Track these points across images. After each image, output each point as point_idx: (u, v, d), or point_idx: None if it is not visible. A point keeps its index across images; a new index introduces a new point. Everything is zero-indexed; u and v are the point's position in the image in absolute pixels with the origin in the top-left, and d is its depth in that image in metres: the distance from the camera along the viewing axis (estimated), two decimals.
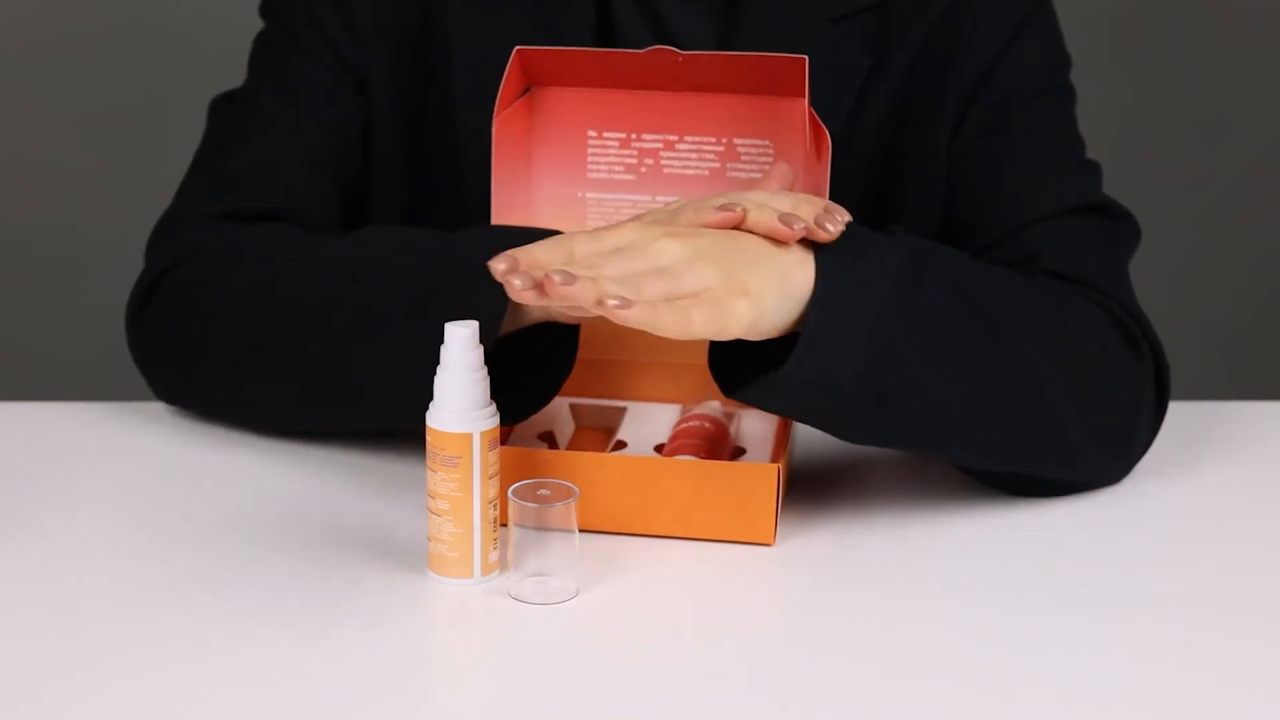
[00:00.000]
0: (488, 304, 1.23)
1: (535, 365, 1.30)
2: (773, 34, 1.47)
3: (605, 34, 1.48)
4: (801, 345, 1.18)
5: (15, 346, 2.77)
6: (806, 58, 1.27)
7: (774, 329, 1.18)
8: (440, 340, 1.19)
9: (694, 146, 1.36)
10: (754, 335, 1.17)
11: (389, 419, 1.32)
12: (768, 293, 1.17)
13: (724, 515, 1.25)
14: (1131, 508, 1.33)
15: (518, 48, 1.30)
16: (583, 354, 1.39)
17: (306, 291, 1.34)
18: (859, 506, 1.31)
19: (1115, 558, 1.26)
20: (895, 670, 1.12)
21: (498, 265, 1.11)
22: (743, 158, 1.35)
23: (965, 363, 1.24)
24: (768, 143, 1.34)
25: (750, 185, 1.35)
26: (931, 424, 1.24)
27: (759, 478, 1.24)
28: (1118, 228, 1.46)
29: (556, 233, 1.24)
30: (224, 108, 1.53)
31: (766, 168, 1.35)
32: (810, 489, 1.34)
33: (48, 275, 2.70)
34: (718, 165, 1.35)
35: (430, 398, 1.20)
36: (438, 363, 1.20)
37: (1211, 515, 1.33)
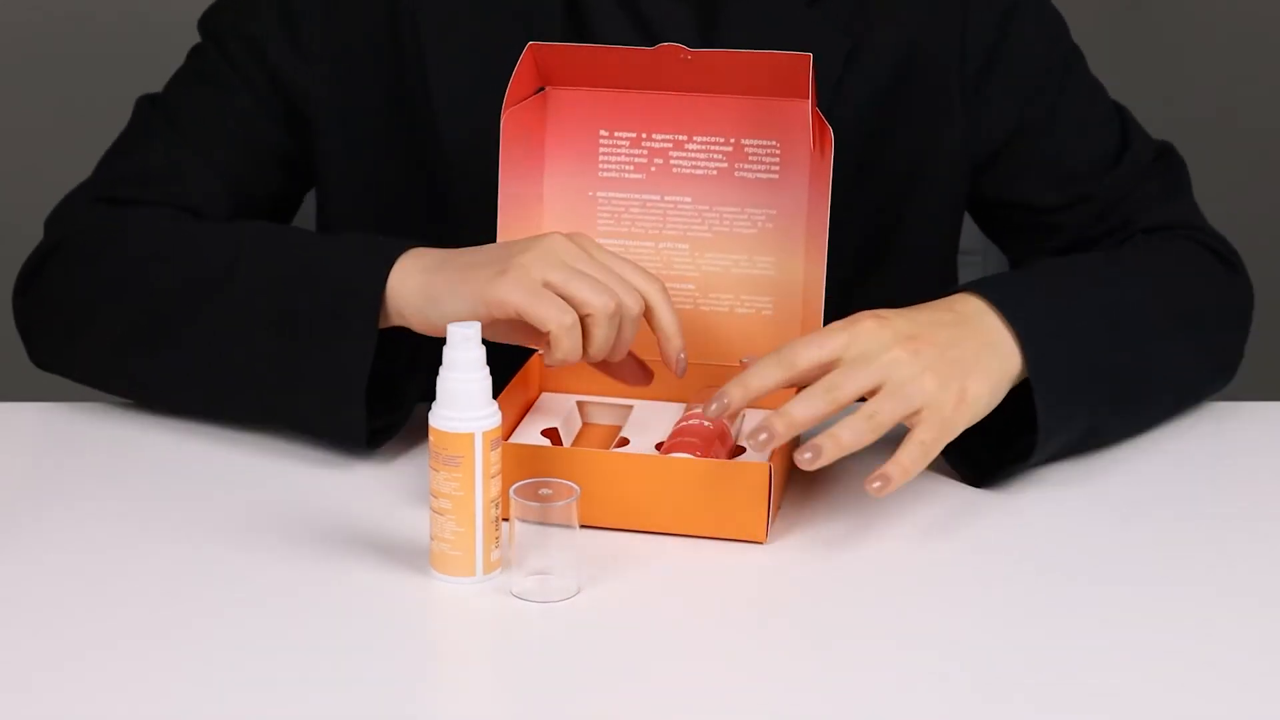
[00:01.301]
0: (360, 320, 1.31)
1: (396, 376, 1.38)
2: (750, 17, 1.48)
3: (575, 23, 1.48)
4: (1041, 439, 1.31)
5: (15, 346, 2.77)
6: (811, 55, 1.30)
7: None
8: (304, 354, 1.30)
9: (703, 146, 1.38)
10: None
11: (254, 417, 1.39)
12: (984, 395, 1.29)
13: (718, 512, 1.25)
14: (1140, 503, 1.34)
15: (531, 43, 1.33)
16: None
17: (183, 277, 1.38)
18: (857, 503, 1.31)
19: (1120, 554, 1.27)
20: (891, 667, 1.12)
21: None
22: (750, 157, 1.37)
23: (1127, 377, 1.37)
24: (774, 142, 1.36)
25: (755, 191, 1.37)
26: (1111, 437, 1.40)
27: (751, 476, 1.24)
28: (1175, 166, 1.57)
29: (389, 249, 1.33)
30: (145, 108, 1.55)
31: (774, 168, 1.37)
32: (812, 487, 1.34)
33: None
34: (725, 165, 1.37)
35: (298, 408, 1.33)
36: (303, 373, 1.32)
37: (1216, 514, 1.34)
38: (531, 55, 1.34)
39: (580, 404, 1.42)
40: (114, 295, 1.41)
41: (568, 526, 1.18)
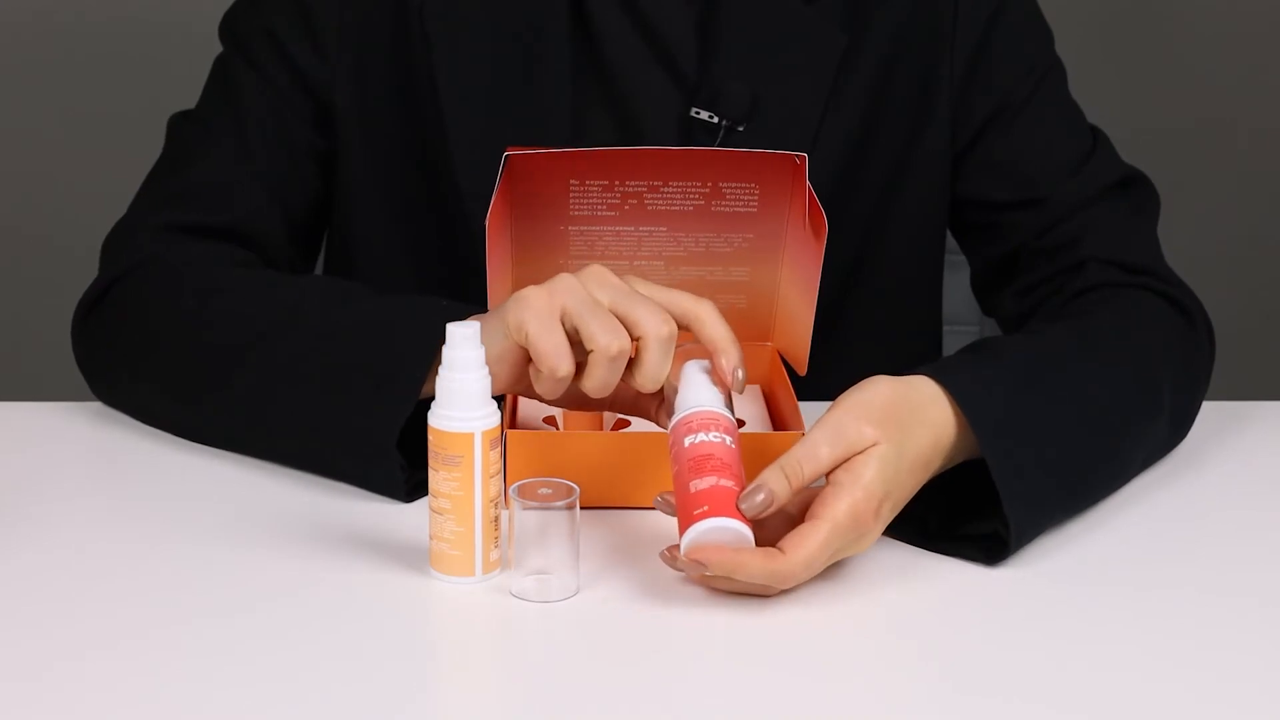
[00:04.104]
0: (405, 382, 1.28)
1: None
2: (748, 16, 1.49)
3: (580, 20, 1.48)
4: (1013, 545, 1.23)
5: (14, 346, 2.77)
6: (807, 155, 1.28)
7: None
8: (348, 409, 1.28)
9: (679, 189, 1.33)
10: None
11: (299, 464, 1.36)
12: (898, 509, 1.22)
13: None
14: (1139, 503, 1.34)
15: (508, 152, 1.27)
16: None
17: (238, 328, 1.37)
18: None
19: (1120, 555, 1.27)
20: (898, 667, 1.12)
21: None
22: (727, 196, 1.33)
23: (1096, 476, 1.31)
24: (753, 185, 1.32)
25: (732, 221, 1.34)
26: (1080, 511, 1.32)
27: (784, 446, 1.24)
28: (1142, 196, 1.53)
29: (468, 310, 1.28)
30: (180, 125, 1.55)
31: (752, 204, 1.33)
32: None
33: (46, 276, 2.70)
34: (702, 203, 1.33)
35: (337, 462, 1.31)
36: (344, 433, 1.29)
37: (1217, 513, 1.34)
38: (510, 164, 1.28)
39: None
40: (165, 342, 1.40)
41: (568, 526, 1.18)
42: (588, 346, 1.21)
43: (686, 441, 1.20)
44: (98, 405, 1.47)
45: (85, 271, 1.50)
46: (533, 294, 1.22)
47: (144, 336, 1.42)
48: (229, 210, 1.49)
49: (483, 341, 1.20)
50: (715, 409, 1.21)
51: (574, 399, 1.26)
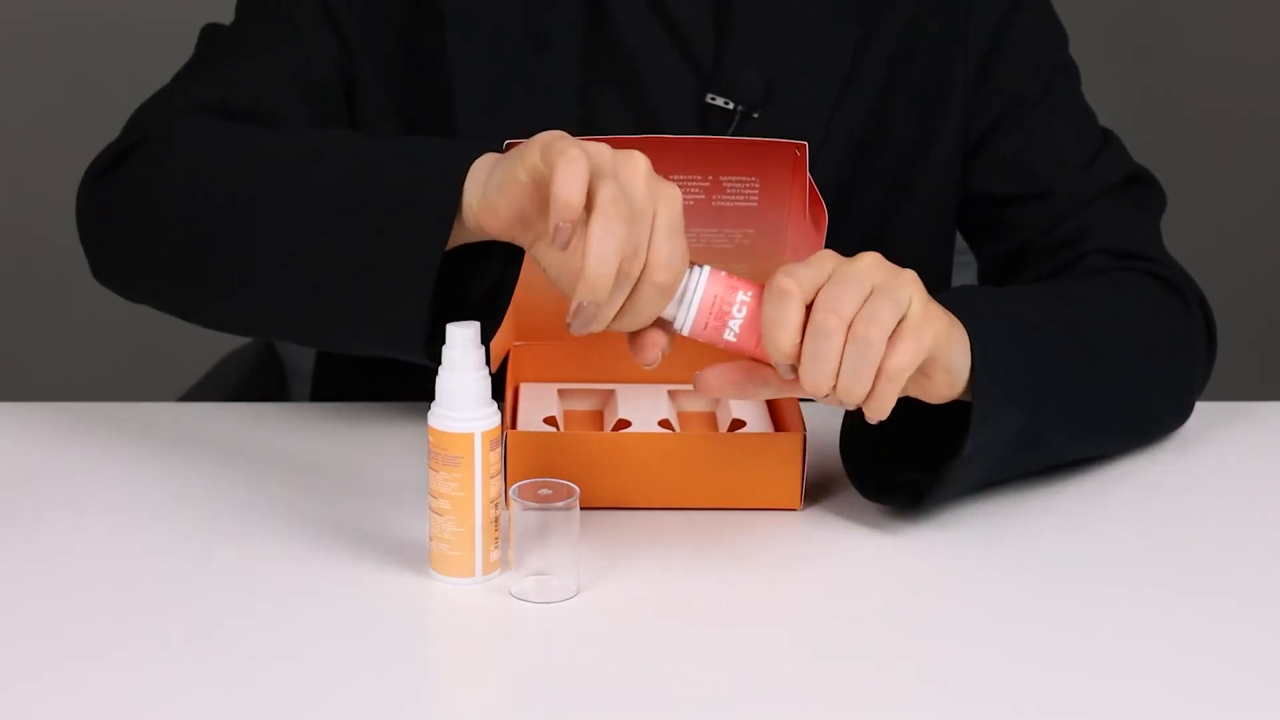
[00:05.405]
0: (435, 208, 1.22)
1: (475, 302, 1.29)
2: (762, 7, 1.49)
3: (593, 8, 1.48)
4: (974, 422, 1.24)
5: (14, 346, 2.78)
6: (807, 145, 1.28)
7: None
8: (382, 242, 1.22)
9: (679, 182, 1.27)
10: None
11: (311, 312, 1.30)
12: (958, 364, 1.23)
13: (751, 484, 1.28)
14: (1139, 504, 1.34)
15: (507, 144, 1.23)
16: (562, 339, 1.37)
17: (259, 176, 1.31)
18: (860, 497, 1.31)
19: (1120, 555, 1.27)
20: (897, 670, 1.12)
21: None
22: (728, 190, 1.32)
23: (1079, 389, 1.33)
24: (753, 178, 1.31)
25: (733, 215, 1.33)
26: (1057, 451, 1.34)
27: (784, 447, 1.27)
28: (1148, 194, 1.55)
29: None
30: (214, 31, 1.52)
31: (752, 199, 1.32)
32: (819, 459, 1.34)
33: (46, 276, 2.70)
34: (703, 198, 1.32)
35: (362, 293, 1.24)
36: (373, 261, 1.23)
37: (1217, 514, 1.34)
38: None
39: (561, 392, 1.42)
40: (191, 193, 1.34)
41: (568, 526, 1.18)
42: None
43: (724, 340, 1.18)
44: (98, 406, 1.47)
45: (86, 271, 1.50)
46: (575, 145, 1.14)
47: (164, 192, 1.36)
48: (265, 101, 1.45)
49: (494, 174, 1.18)
50: (706, 292, 1.17)
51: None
